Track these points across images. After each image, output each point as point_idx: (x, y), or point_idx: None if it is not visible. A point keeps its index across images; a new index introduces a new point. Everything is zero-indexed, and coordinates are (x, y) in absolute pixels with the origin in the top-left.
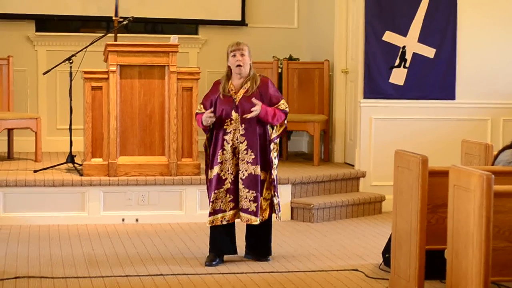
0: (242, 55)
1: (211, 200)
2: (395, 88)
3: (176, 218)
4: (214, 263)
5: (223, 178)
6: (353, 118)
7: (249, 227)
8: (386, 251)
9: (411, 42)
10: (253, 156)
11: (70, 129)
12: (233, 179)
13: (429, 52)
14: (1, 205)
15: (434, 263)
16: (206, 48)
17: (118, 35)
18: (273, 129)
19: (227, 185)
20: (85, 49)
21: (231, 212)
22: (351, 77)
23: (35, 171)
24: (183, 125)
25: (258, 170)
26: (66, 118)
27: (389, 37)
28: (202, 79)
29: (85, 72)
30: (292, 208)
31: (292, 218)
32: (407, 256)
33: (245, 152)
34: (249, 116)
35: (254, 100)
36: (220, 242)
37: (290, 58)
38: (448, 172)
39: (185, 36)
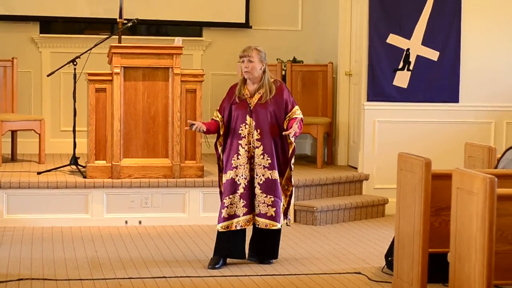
0: (250, 61)
1: (226, 205)
2: (399, 91)
3: (179, 220)
4: (217, 266)
5: (238, 183)
6: (357, 120)
7: (257, 231)
8: (389, 254)
9: (415, 45)
10: (270, 161)
11: (74, 131)
12: (246, 184)
13: (433, 55)
14: (5, 207)
15: (437, 266)
16: (210, 50)
17: (122, 37)
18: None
19: (241, 190)
20: (89, 51)
21: (245, 217)
22: (355, 80)
23: (39, 173)
24: None
25: (275, 174)
26: (70, 120)
27: (393, 39)
28: (206, 81)
29: (89, 74)
30: (295, 211)
31: (295, 220)
32: (410, 259)
33: (261, 156)
34: (291, 135)
35: (285, 133)
36: (228, 245)
37: (294, 61)
38: (452, 175)
39: (189, 38)
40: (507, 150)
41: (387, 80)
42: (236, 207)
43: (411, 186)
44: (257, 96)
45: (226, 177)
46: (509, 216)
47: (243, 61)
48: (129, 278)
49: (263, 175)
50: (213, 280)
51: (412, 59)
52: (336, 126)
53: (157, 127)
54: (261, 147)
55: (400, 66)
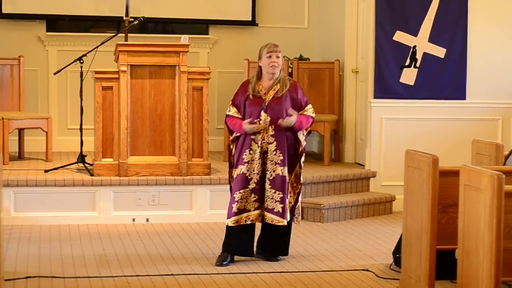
0: (278, 57)
1: (236, 200)
2: (406, 88)
3: (187, 218)
4: (225, 263)
5: (249, 178)
6: (364, 118)
7: (266, 228)
8: (397, 251)
9: (421, 42)
10: (282, 157)
11: (81, 129)
12: (258, 179)
13: (439, 52)
14: (12, 205)
15: (444, 263)
16: (216, 48)
17: (129, 35)
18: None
19: (252, 185)
20: (95, 49)
21: (256, 212)
22: (362, 77)
23: (46, 171)
24: (194, 125)
25: (285, 171)
26: (77, 118)
27: (400, 37)
28: (213, 79)
29: (96, 72)
30: (302, 208)
31: (302, 218)
32: (418, 256)
33: (274, 153)
34: (284, 124)
35: (291, 110)
36: (236, 243)
37: (301, 58)
38: (459, 172)
39: (196, 36)
40: None
41: (393, 77)
42: (247, 202)
43: (418, 183)
44: (272, 92)
45: (237, 172)
46: None
47: (270, 56)
48: (137, 275)
49: (273, 171)
50: (220, 278)
51: (419, 56)
52: (343, 123)
53: (164, 125)
54: (275, 143)
55: (407, 63)
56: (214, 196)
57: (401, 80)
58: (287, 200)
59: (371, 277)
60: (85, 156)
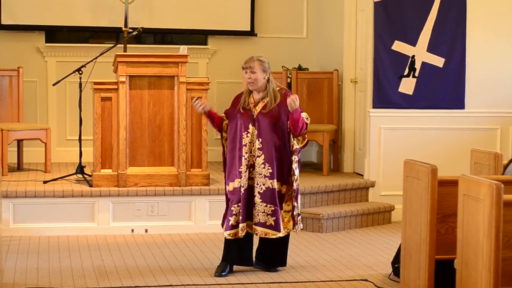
0: (252, 72)
1: (234, 213)
2: (404, 98)
3: (186, 228)
4: (223, 273)
5: (241, 191)
6: (362, 127)
7: (264, 239)
8: (396, 261)
9: (420, 52)
10: (270, 170)
11: (80, 139)
12: (243, 192)
13: (438, 61)
14: (11, 216)
15: (443, 273)
16: (215, 58)
17: (128, 45)
18: (294, 140)
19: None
20: (94, 60)
21: (243, 224)
22: (360, 87)
23: (45, 182)
24: (193, 135)
25: (275, 184)
26: (76, 129)
27: (398, 46)
28: (211, 89)
29: (95, 83)
30: (301, 218)
31: (301, 228)
32: (417, 266)
33: (262, 166)
34: (293, 104)
35: (293, 97)
36: (236, 253)
37: (299, 68)
38: (458, 182)
39: (195, 46)
40: (511, 160)
41: (392, 87)
42: (240, 214)
43: (417, 193)
44: (261, 105)
45: (234, 185)
46: None
47: (246, 72)
48: (136, 286)
49: (263, 184)
50: None
51: (418, 65)
52: (342, 133)
53: (163, 136)
54: (262, 156)
55: (406, 73)
56: (213, 206)
57: (400, 90)
58: (279, 213)
59: (370, 287)
60: (84, 167)
